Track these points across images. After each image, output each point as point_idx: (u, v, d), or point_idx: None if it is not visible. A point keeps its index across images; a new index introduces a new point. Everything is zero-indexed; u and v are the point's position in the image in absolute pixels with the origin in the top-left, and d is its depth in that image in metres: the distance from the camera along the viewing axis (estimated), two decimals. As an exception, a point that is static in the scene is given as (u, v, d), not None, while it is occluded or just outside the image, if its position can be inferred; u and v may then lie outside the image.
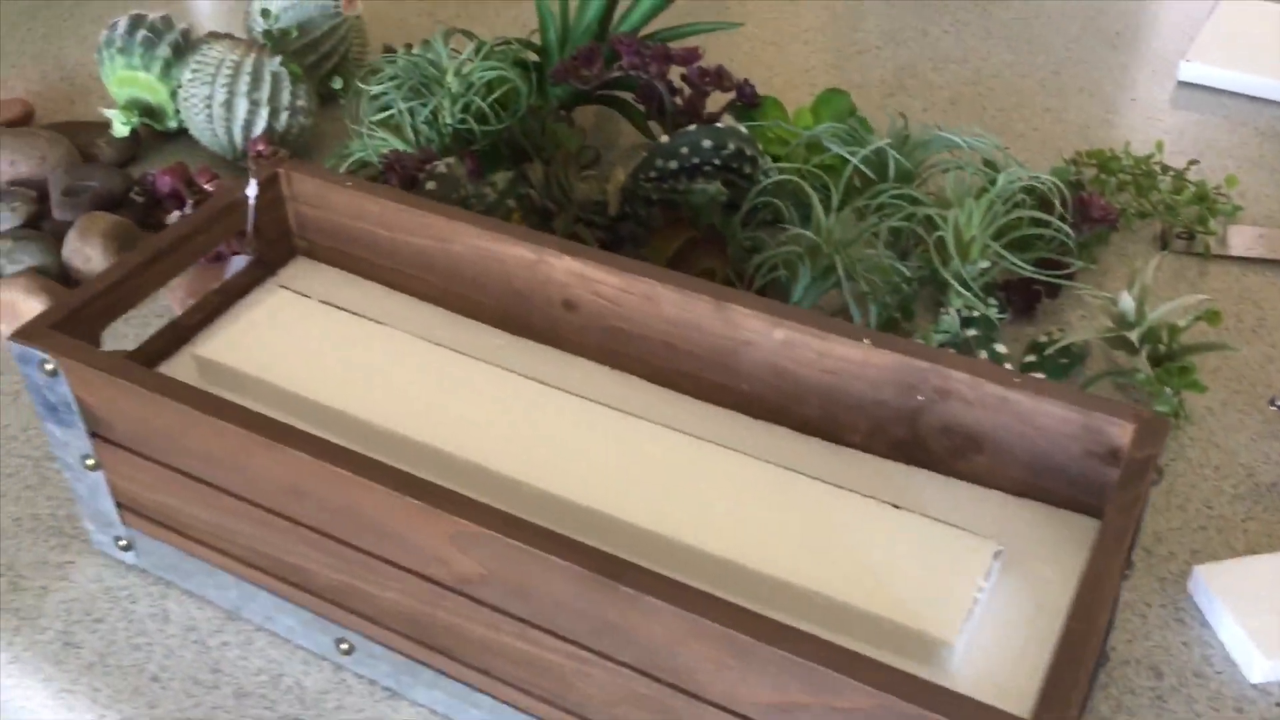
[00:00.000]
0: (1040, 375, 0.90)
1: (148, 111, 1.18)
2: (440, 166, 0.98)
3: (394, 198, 0.80)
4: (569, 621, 0.59)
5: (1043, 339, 0.93)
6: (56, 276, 1.00)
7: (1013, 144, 1.18)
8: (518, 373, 0.75)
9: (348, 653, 0.71)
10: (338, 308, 0.80)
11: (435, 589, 0.63)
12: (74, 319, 0.72)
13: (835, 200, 0.94)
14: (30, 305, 0.94)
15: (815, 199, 0.94)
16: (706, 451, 0.69)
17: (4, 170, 1.10)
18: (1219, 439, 0.86)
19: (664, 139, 1.02)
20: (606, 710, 0.61)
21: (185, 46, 1.17)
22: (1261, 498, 0.81)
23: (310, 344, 0.77)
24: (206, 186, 1.08)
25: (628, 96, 1.19)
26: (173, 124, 1.20)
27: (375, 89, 1.09)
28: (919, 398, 0.68)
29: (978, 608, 0.61)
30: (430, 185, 0.97)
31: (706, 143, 1.01)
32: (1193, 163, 1.10)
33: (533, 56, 1.19)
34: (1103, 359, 0.93)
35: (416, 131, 1.10)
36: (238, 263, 0.85)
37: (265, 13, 1.15)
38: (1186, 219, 1.05)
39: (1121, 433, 0.63)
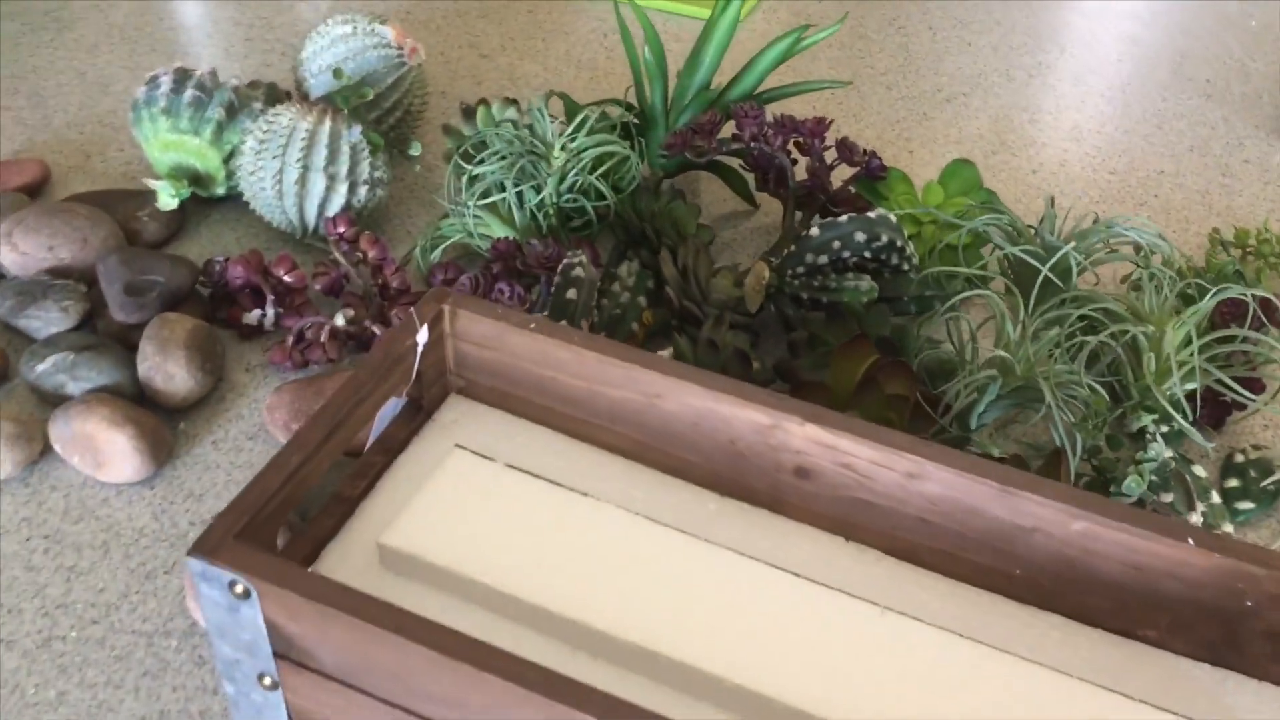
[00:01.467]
0: (1249, 504, 0.84)
1: (195, 179, 1.04)
2: (576, 269, 0.87)
3: (592, 346, 0.70)
4: None
5: (1239, 458, 0.87)
6: (132, 396, 0.86)
7: (1136, 214, 1.12)
8: (740, 552, 0.66)
9: None
10: (526, 473, 0.69)
11: None
12: (256, 524, 0.60)
13: (1024, 311, 0.86)
14: (114, 440, 0.81)
15: (1001, 309, 0.86)
16: (960, 649, 0.61)
17: (43, 258, 0.95)
18: None
19: (813, 231, 0.93)
20: None
21: (238, 106, 1.02)
22: None
23: (502, 521, 0.66)
24: (287, 279, 0.94)
25: (733, 161, 1.09)
26: (220, 191, 1.06)
27: (480, 170, 0.96)
28: (1247, 602, 0.61)
29: None
30: (571, 293, 0.86)
31: (859, 235, 0.92)
32: (1338, 242, 1.05)
33: (632, 117, 1.08)
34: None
35: (530, 214, 0.98)
36: (390, 409, 0.73)
37: (338, 72, 1.01)
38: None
39: None
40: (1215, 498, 0.83)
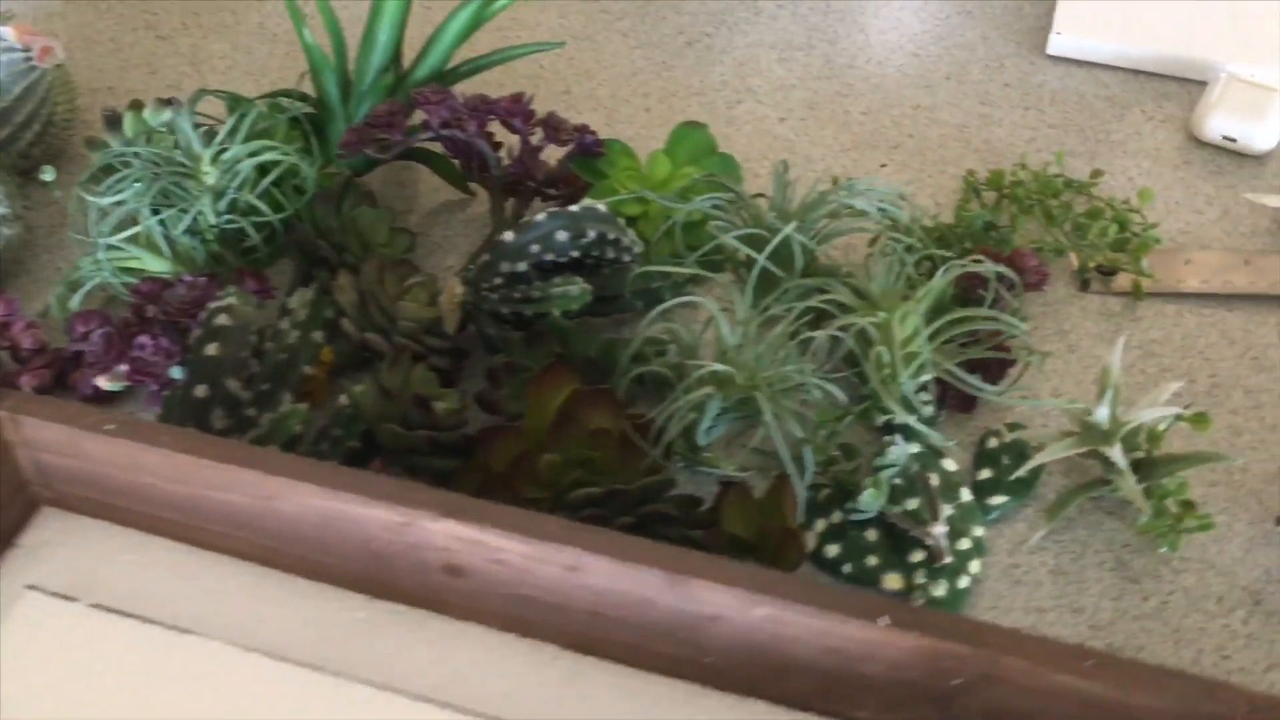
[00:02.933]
0: (1005, 498, 0.76)
1: None
2: (219, 316, 0.74)
3: (184, 446, 0.57)
4: None
5: (992, 441, 0.79)
6: None
7: (889, 159, 1.02)
8: (387, 688, 0.55)
9: None
10: (118, 613, 0.57)
11: None
12: None
13: (741, 311, 0.76)
14: None
15: (715, 311, 0.75)
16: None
17: None
18: (1212, 557, 0.74)
19: (506, 236, 0.80)
20: None
21: None
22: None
23: (80, 688, 0.54)
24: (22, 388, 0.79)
25: (436, 146, 0.96)
26: None
27: (108, 200, 0.81)
28: (955, 681, 0.52)
29: None
30: (212, 349, 0.72)
31: (561, 235, 0.80)
32: (1098, 174, 0.97)
33: (306, 108, 0.93)
34: (1072, 464, 0.79)
35: (173, 244, 0.84)
36: (-44, 542, 0.60)
37: (-70, 94, 0.85)
38: (1101, 249, 0.92)
39: (1232, 727, 0.48)
40: (966, 495, 0.75)
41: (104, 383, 0.79)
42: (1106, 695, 0.50)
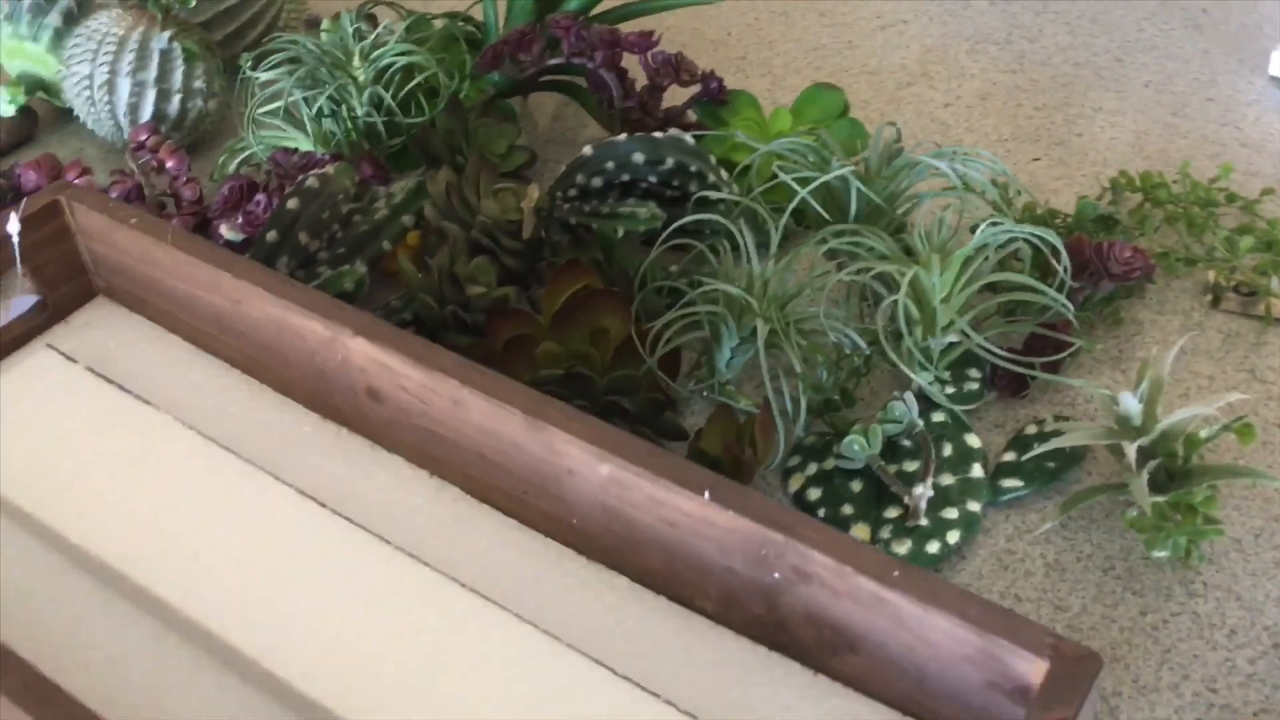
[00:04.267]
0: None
1: (43, 87, 1.04)
2: (310, 179, 0.82)
3: (182, 244, 0.64)
4: None
5: (1031, 429, 0.73)
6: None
7: (1046, 154, 0.96)
8: (299, 493, 0.59)
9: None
10: (106, 380, 0.64)
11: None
12: None
13: (775, 240, 0.75)
14: None
15: (747, 238, 0.75)
16: (490, 617, 0.53)
17: None
18: (1241, 588, 0.65)
19: (586, 150, 0.84)
20: None
21: (78, 15, 1.02)
22: (1288, 680, 0.61)
23: (59, 433, 0.62)
24: (78, 182, 0.93)
25: (583, 82, 1.01)
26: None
27: (265, 74, 0.92)
28: (774, 574, 0.50)
29: None
30: (292, 203, 0.81)
31: (638, 156, 0.83)
32: (1267, 193, 0.87)
33: (469, 29, 1.01)
34: (1111, 462, 0.73)
35: (318, 127, 0.93)
36: (19, 305, 0.70)
37: (166, -22, 0.99)
38: (1247, 269, 0.83)
39: (1031, 671, 0.44)
40: (977, 471, 0.70)
41: (225, 231, 0.89)
42: (909, 610, 0.46)
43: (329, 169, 0.83)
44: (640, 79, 0.95)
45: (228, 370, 0.67)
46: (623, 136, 0.83)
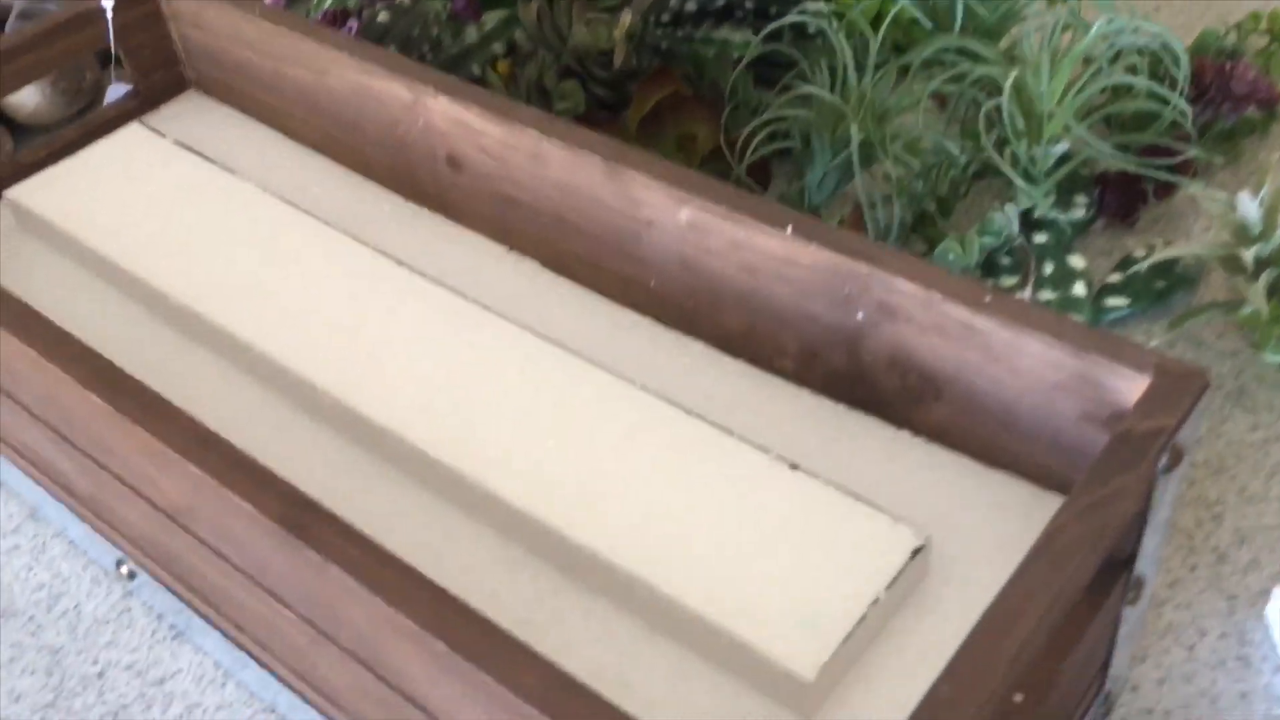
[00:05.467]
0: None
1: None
2: (402, -4, 0.81)
3: (270, 16, 0.64)
4: (280, 583, 0.43)
5: (1139, 253, 0.69)
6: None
7: (1166, 3, 0.91)
8: (379, 253, 0.58)
9: (130, 577, 0.57)
10: (194, 152, 0.64)
11: (161, 516, 0.48)
12: None
13: (873, 53, 0.72)
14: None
15: (846, 51, 0.72)
16: (571, 371, 0.51)
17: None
18: (1363, 407, 0.61)
19: (682, -29, 0.82)
20: (351, 702, 0.45)
21: None
22: None
23: (148, 197, 0.62)
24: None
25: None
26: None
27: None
28: (858, 314, 0.47)
29: (861, 630, 0.41)
30: (382, 16, 0.80)
31: (735, -21, 0.80)
32: None
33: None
34: (1224, 286, 0.69)
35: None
36: (114, 93, 0.70)
37: None
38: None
39: (1131, 391, 0.41)
40: (1079, 289, 0.67)
41: (317, 59, 0.89)
42: (1000, 337, 0.43)
43: (422, -10, 0.83)
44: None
45: (311, 154, 0.67)
46: (720, -43, 0.81)
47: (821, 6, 0.82)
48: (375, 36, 0.79)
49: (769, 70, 0.81)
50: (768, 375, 0.52)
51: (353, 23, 0.86)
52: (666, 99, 0.71)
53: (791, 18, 0.74)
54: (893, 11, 0.72)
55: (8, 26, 0.94)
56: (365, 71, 0.60)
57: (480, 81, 0.84)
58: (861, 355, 0.48)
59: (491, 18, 0.85)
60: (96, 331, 0.51)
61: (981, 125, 0.68)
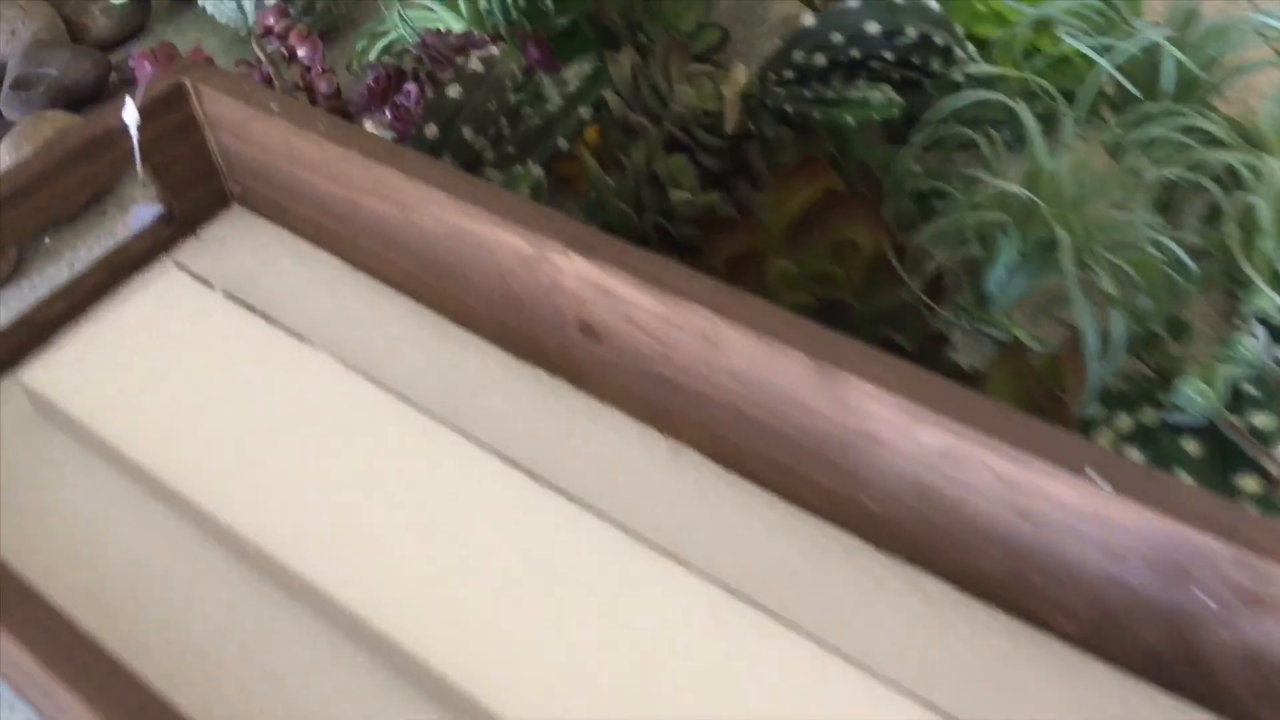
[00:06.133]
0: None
1: (155, -31, 0.91)
2: (473, 61, 0.67)
3: (336, 135, 0.51)
4: None
5: None
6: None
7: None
8: (489, 449, 0.45)
9: None
10: (249, 308, 0.51)
11: None
12: None
13: (1069, 127, 0.58)
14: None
15: (1032, 125, 0.58)
16: (779, 638, 0.39)
17: (-40, 50, 0.85)
18: None
19: (806, 20, 0.68)
20: None
21: (193, -119, 0.88)
22: None
23: (191, 376, 0.49)
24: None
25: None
26: (189, -16, 0.92)
27: (408, -58, 0.77)
28: (1198, 594, 0.35)
29: None
30: (452, 91, 0.66)
31: (872, 26, 0.66)
32: None
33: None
34: None
35: (473, 4, 0.78)
36: (141, 215, 0.57)
37: None
38: None
39: None
40: (1346, 431, 0.54)
41: (370, 127, 0.75)
42: None
43: (493, 49, 0.69)
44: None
45: (393, 296, 0.54)
46: (854, 2, 0.67)
47: (979, 62, 0.68)
48: (445, 117, 0.65)
49: (905, 129, 0.68)
50: (1041, 636, 0.40)
51: (409, 88, 0.73)
52: (818, 199, 0.58)
53: (970, 95, 0.60)
54: (1094, 78, 0.58)
55: (2, 96, 0.80)
56: (470, 216, 0.47)
57: (567, 157, 0.71)
58: (1199, 643, 0.36)
59: (574, 74, 0.72)
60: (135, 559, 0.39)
61: (1229, 226, 0.55)
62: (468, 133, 0.66)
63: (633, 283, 0.43)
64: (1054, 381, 0.54)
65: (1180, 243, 0.57)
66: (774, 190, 0.59)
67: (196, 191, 0.57)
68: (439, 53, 0.73)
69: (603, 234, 0.44)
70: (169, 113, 0.54)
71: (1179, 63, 0.60)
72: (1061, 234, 0.54)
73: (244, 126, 0.54)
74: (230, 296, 0.52)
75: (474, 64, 0.67)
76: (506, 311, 0.49)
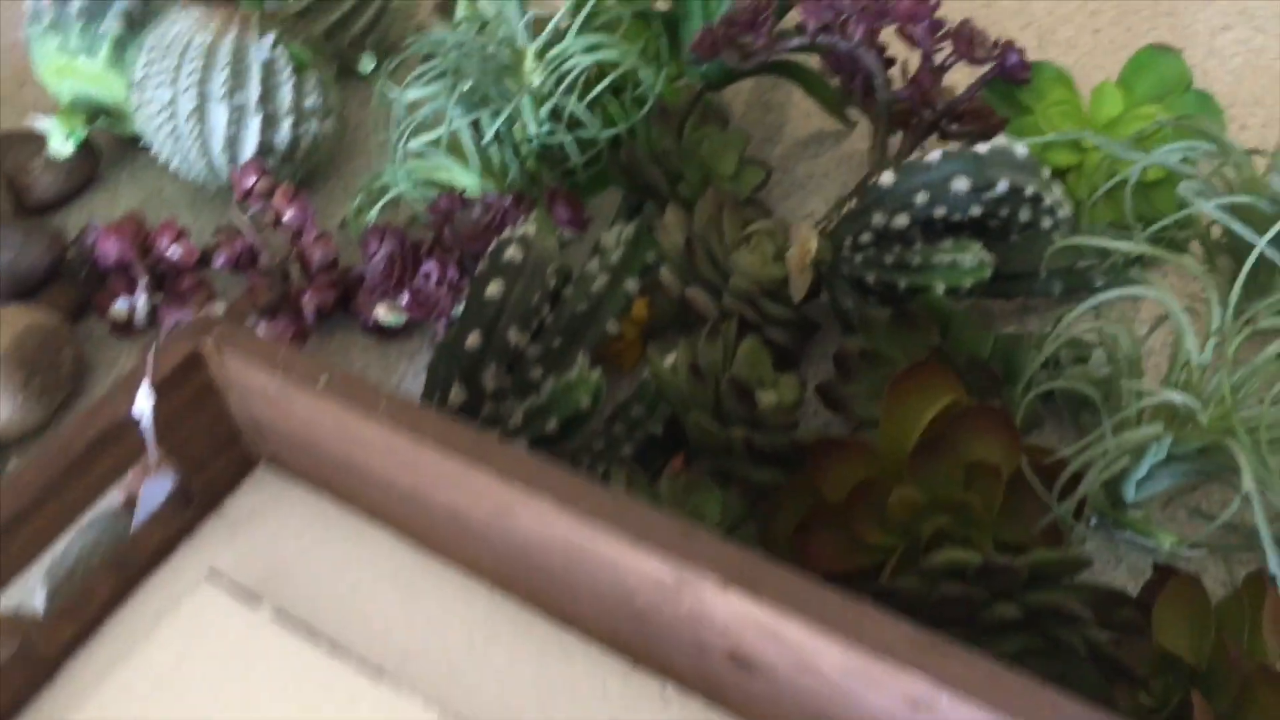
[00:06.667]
0: None
1: (104, 112, 0.81)
2: (510, 250, 0.58)
3: (400, 417, 0.42)
4: None
5: None
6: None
7: None
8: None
9: None
10: (306, 631, 0.42)
11: None
12: None
13: (1221, 317, 0.51)
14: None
15: (1181, 318, 0.51)
16: None
17: (-112, 230, 0.74)
18: None
19: (884, 179, 0.60)
20: None
21: (141, 16, 0.78)
22: None
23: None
24: (170, 253, 0.70)
25: (812, 60, 0.76)
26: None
27: (413, 94, 0.68)
28: None
29: None
30: (494, 288, 0.57)
31: (959, 184, 0.59)
32: None
33: (660, 4, 0.77)
34: None
35: (485, 154, 0.70)
36: (152, 495, 0.48)
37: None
38: None
39: None
40: None
41: (383, 314, 0.67)
42: None
43: (528, 229, 0.60)
44: (900, 53, 0.71)
45: (471, 585, 0.45)
46: (935, 155, 0.60)
47: (1065, 206, 0.61)
48: (486, 321, 0.57)
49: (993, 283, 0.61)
50: None
51: (429, 268, 0.64)
52: (949, 415, 0.50)
53: (1112, 293, 0.53)
54: (1252, 258, 0.51)
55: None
56: (588, 532, 0.38)
57: (616, 344, 0.63)
58: None
59: (614, 240, 0.63)
60: None
61: None
62: (514, 336, 0.58)
63: (814, 629, 0.35)
64: (1239, 621, 0.47)
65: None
66: (890, 398, 0.52)
67: (218, 461, 0.48)
68: (459, 229, 0.64)
69: (764, 561, 0.36)
70: (185, 383, 0.45)
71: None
72: (1240, 452, 0.47)
73: (281, 399, 0.45)
74: (281, 616, 0.43)
75: (511, 252, 0.59)
76: (630, 624, 0.41)
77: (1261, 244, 0.51)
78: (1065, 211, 0.62)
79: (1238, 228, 0.54)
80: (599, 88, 0.69)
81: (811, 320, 0.64)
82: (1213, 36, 0.80)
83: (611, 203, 0.73)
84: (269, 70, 0.72)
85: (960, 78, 0.70)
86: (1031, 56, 0.76)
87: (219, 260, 0.70)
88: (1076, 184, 0.68)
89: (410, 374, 0.68)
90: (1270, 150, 0.63)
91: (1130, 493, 0.53)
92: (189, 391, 0.46)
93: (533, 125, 0.69)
